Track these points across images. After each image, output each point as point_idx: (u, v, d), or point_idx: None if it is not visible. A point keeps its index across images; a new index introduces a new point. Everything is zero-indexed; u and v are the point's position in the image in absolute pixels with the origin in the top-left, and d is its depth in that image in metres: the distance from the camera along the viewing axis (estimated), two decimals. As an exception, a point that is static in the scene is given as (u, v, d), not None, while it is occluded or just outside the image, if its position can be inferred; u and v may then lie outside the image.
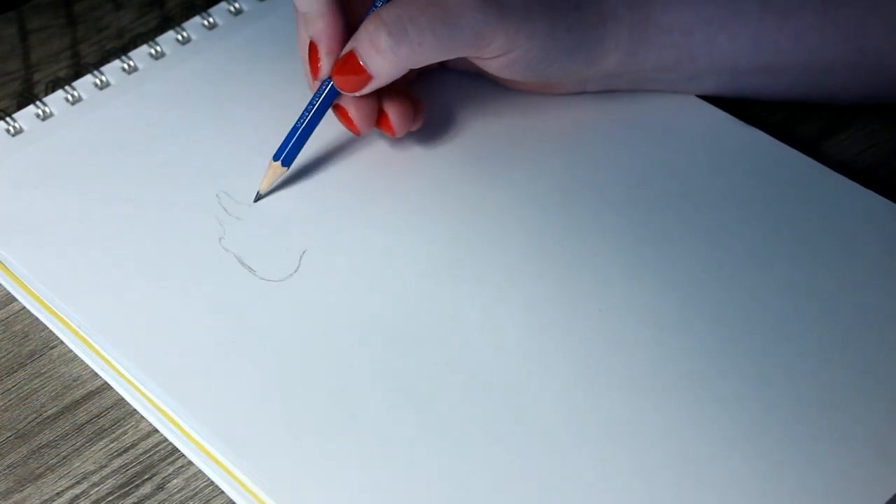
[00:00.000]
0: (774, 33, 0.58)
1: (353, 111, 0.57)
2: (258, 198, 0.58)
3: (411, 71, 0.58)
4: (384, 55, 0.54)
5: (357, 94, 0.56)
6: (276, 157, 0.57)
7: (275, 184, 0.58)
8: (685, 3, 0.58)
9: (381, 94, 0.57)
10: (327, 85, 0.57)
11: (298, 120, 0.57)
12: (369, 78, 0.55)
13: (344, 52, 0.55)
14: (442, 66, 0.62)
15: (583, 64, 0.58)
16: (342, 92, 0.56)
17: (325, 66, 0.56)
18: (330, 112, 0.58)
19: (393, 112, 0.57)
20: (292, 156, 0.57)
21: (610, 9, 0.57)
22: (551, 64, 0.57)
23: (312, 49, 0.56)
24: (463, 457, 0.49)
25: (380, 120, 0.58)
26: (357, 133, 0.58)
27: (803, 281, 0.54)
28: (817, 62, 0.59)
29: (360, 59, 0.55)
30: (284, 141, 0.57)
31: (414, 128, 0.59)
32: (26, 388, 0.53)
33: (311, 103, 0.57)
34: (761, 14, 0.58)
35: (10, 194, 0.58)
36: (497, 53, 0.56)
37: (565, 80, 0.59)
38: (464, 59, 0.59)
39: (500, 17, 0.54)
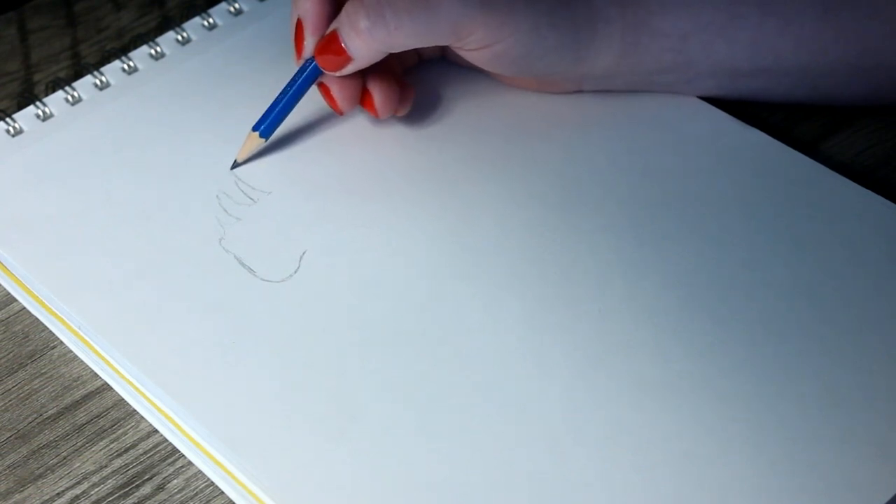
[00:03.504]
0: (774, 38, 0.58)
1: (335, 90, 0.57)
2: (234, 165, 0.58)
3: (410, 58, 0.58)
4: (361, 36, 0.54)
5: (338, 74, 0.56)
6: (255, 128, 0.58)
7: (251, 154, 0.58)
8: (682, 6, 0.58)
9: (366, 76, 0.58)
10: (310, 63, 0.57)
11: (280, 94, 0.58)
12: (349, 59, 0.55)
13: (327, 33, 0.56)
14: (443, 59, 0.62)
15: (572, 63, 0.58)
16: (324, 71, 0.57)
17: (308, 44, 0.57)
18: (325, 112, 0.58)
19: (377, 93, 0.58)
20: (271, 129, 0.58)
21: (600, 9, 0.57)
22: (537, 60, 0.57)
23: (298, 27, 0.57)
24: (463, 457, 0.49)
25: (364, 100, 0.58)
26: (339, 112, 0.58)
27: (803, 281, 0.54)
28: (817, 65, 0.59)
29: (341, 40, 0.55)
30: (265, 113, 0.58)
31: (400, 113, 0.59)
32: (26, 388, 0.53)
33: (294, 80, 0.58)
34: (760, 18, 0.58)
35: (11, 194, 0.58)
36: (478, 45, 0.56)
37: (557, 78, 0.59)
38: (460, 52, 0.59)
39: (482, 9, 0.54)
